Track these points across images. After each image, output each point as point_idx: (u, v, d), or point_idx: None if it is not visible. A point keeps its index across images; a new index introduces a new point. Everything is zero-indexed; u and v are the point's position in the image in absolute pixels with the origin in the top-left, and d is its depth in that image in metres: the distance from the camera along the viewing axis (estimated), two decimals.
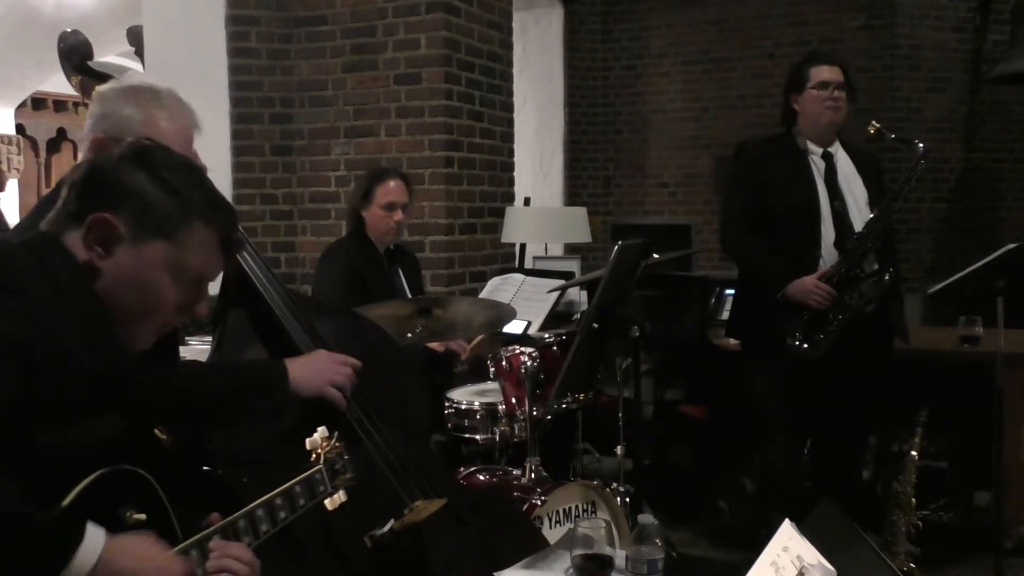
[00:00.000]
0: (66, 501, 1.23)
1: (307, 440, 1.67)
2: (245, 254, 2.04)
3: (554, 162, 8.00)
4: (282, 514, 1.52)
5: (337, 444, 1.69)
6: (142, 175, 1.42)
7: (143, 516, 1.32)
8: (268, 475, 1.61)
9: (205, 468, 1.76)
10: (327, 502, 1.64)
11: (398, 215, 3.65)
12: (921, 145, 3.26)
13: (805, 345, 3.22)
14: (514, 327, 3.75)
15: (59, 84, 8.27)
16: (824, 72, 3.32)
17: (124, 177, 1.41)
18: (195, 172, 1.49)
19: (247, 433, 1.88)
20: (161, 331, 1.47)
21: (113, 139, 1.85)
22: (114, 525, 1.28)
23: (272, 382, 1.85)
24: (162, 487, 1.36)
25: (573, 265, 5.32)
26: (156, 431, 1.50)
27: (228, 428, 1.85)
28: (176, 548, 1.34)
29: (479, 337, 3.69)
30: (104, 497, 1.28)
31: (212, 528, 1.40)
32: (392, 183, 3.68)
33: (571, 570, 1.83)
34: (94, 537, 1.21)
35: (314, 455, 1.65)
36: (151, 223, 1.40)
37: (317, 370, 1.92)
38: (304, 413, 1.89)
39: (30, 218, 1.92)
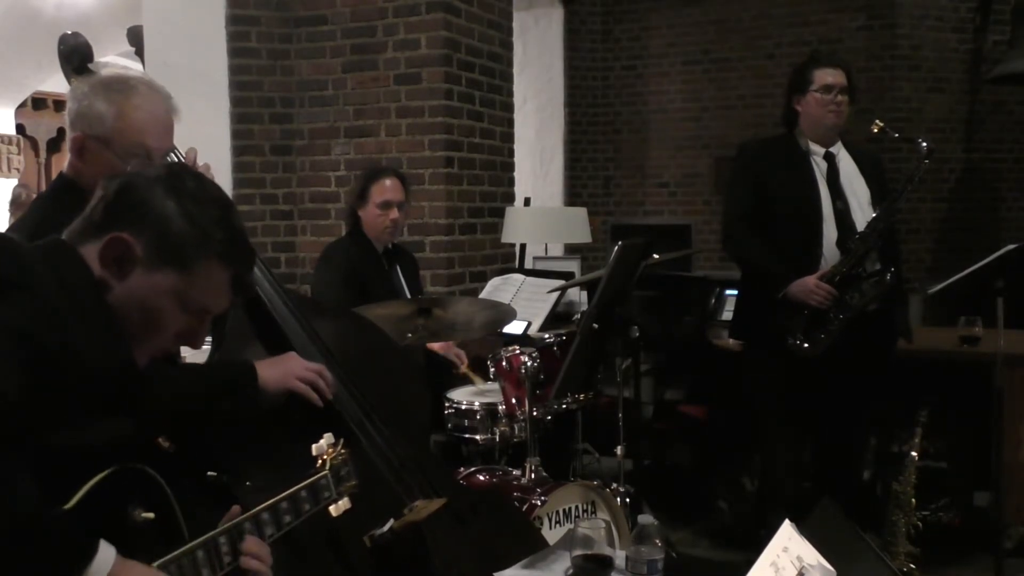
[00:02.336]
0: (75, 499, 1.24)
1: (313, 446, 1.67)
2: None
3: (554, 162, 8.00)
4: (287, 518, 1.53)
5: (343, 451, 1.69)
6: (171, 203, 1.42)
7: (151, 515, 1.33)
8: (271, 480, 1.62)
9: (209, 473, 1.77)
10: (332, 508, 1.65)
11: (393, 214, 3.65)
12: (924, 144, 3.26)
13: (806, 344, 3.22)
14: (514, 327, 3.75)
15: (59, 84, 8.26)
16: (828, 76, 3.31)
17: (153, 201, 1.42)
18: (223, 207, 1.49)
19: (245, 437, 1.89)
20: (155, 354, 1.47)
21: (92, 137, 1.84)
22: (122, 523, 1.29)
23: (241, 381, 1.86)
24: (169, 487, 1.37)
25: (573, 265, 5.32)
26: (159, 440, 1.51)
27: (201, 427, 1.85)
28: (182, 548, 1.34)
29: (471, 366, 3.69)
30: (112, 496, 1.29)
31: (218, 530, 1.41)
32: (387, 182, 3.67)
33: (571, 570, 1.83)
34: (105, 554, 1.22)
35: (320, 461, 1.66)
36: (169, 252, 1.41)
37: (284, 368, 1.92)
38: (308, 418, 1.89)
39: (31, 217, 1.92)
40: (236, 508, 1.47)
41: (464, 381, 3.62)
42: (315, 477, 1.62)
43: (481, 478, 3.11)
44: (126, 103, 1.85)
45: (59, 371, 1.24)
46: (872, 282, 3.21)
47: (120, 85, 1.88)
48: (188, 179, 1.48)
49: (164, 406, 1.69)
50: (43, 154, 10.62)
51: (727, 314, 4.40)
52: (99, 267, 1.39)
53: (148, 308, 1.41)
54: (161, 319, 1.43)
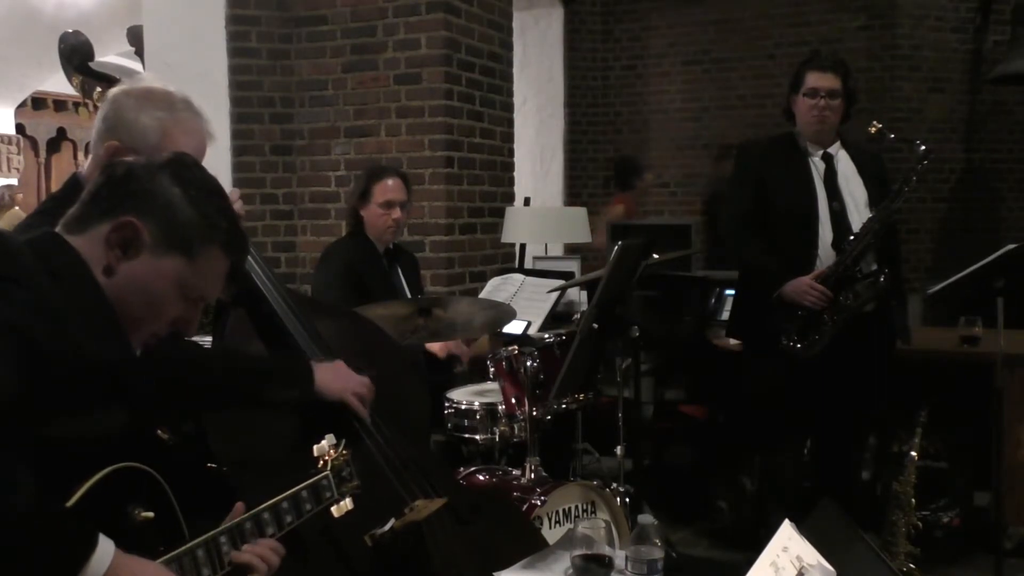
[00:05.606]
0: (74, 498, 1.24)
1: (315, 447, 1.67)
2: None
3: (554, 162, 8.00)
4: (288, 518, 1.54)
5: (344, 452, 1.69)
6: (177, 190, 1.45)
7: (151, 514, 1.33)
8: (272, 475, 1.62)
9: (209, 465, 1.77)
10: (333, 509, 1.65)
11: (396, 213, 3.65)
12: (923, 146, 3.25)
13: (799, 345, 3.22)
14: (514, 327, 3.75)
15: (59, 84, 8.26)
16: (813, 79, 3.30)
17: (159, 188, 1.44)
18: (224, 198, 1.53)
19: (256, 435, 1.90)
20: (147, 340, 1.48)
21: (130, 149, 1.83)
22: (122, 523, 1.29)
23: (298, 376, 1.91)
24: (168, 485, 1.37)
25: (573, 265, 5.32)
26: (159, 431, 1.51)
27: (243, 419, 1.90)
28: (182, 548, 1.34)
29: (480, 338, 3.69)
30: (112, 495, 1.29)
31: (218, 529, 1.41)
32: (390, 181, 3.68)
33: (571, 570, 1.84)
34: (105, 548, 1.22)
35: (321, 462, 1.66)
36: (175, 238, 1.43)
37: (342, 377, 1.98)
38: (311, 419, 1.90)
39: (35, 217, 1.92)
40: (240, 506, 1.47)
41: (464, 380, 3.62)
42: (316, 477, 1.63)
43: (481, 478, 3.11)
44: (174, 126, 1.86)
45: (54, 363, 1.25)
46: (866, 283, 3.21)
47: (165, 103, 1.88)
48: (192, 168, 1.51)
49: (217, 385, 1.77)
50: (43, 154, 10.61)
51: (727, 314, 4.39)
52: (104, 251, 1.40)
53: (150, 293, 1.43)
54: (161, 305, 1.44)
